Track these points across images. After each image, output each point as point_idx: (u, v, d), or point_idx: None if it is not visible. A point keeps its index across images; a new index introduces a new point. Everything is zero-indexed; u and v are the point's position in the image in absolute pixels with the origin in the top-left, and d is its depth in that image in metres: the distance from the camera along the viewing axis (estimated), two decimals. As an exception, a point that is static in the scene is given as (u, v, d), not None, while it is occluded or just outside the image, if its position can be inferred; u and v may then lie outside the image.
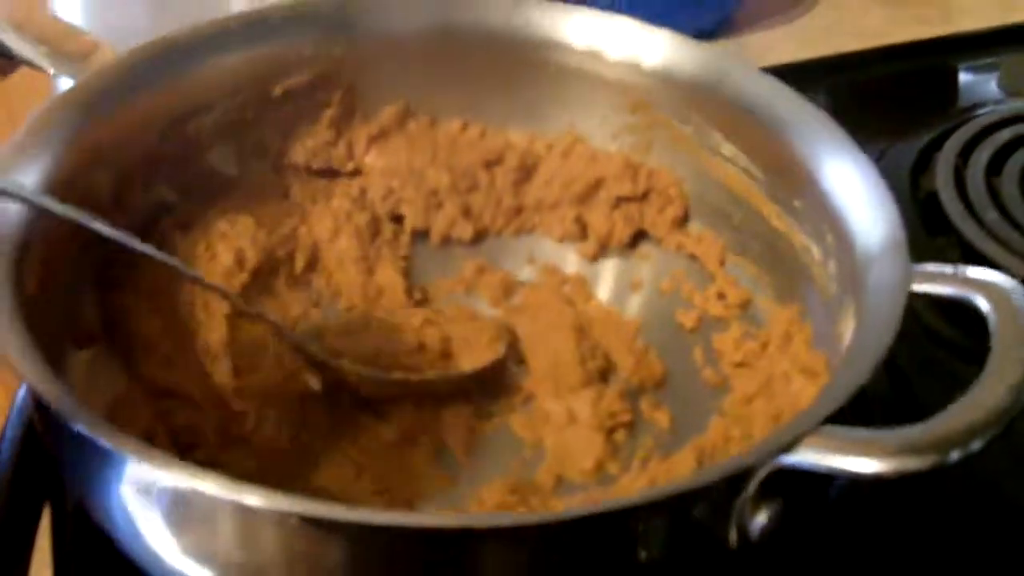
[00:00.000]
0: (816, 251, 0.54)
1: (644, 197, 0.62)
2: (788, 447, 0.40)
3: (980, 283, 0.45)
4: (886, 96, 0.54)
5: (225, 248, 0.56)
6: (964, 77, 0.80)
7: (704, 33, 0.61)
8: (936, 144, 0.71)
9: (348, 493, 0.49)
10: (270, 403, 0.51)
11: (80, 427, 0.39)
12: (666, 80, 0.59)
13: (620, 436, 0.54)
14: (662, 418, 0.55)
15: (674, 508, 0.40)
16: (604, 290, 0.62)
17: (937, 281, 0.46)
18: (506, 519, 0.41)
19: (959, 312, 0.46)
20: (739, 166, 0.58)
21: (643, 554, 0.41)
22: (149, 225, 0.57)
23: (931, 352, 0.58)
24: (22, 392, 0.54)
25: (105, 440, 0.38)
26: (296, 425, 0.51)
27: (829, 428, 0.40)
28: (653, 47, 0.59)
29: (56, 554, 0.50)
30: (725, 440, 0.51)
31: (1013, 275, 0.46)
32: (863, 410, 0.43)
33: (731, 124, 0.58)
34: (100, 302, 0.54)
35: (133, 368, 0.52)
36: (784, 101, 0.56)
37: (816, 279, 0.54)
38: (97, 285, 0.54)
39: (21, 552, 0.49)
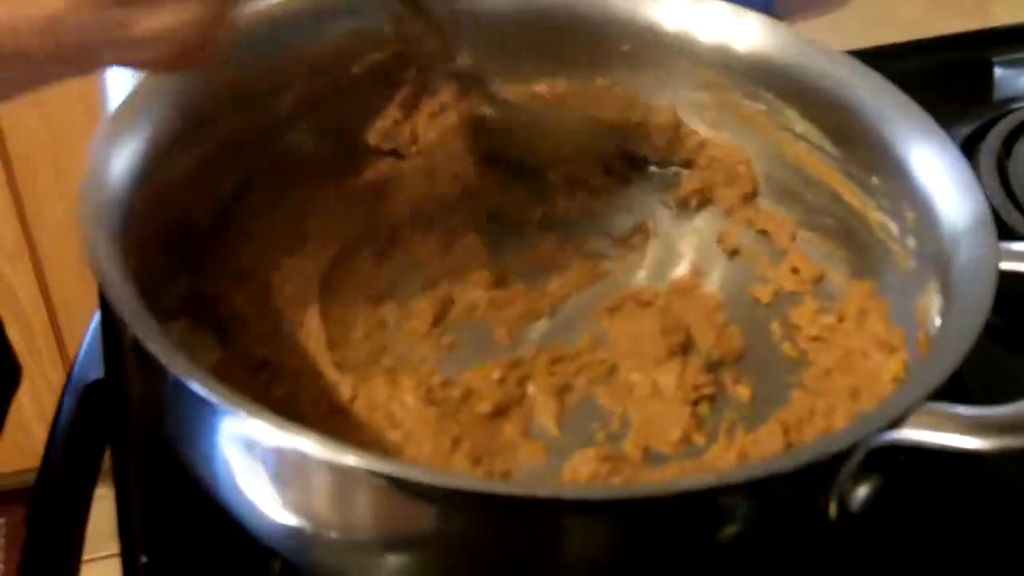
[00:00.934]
0: (893, 227, 0.55)
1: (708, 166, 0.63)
2: (895, 423, 0.41)
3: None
4: (923, 88, 0.55)
5: (313, 226, 0.57)
6: (999, 71, 0.80)
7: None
8: (978, 135, 0.72)
9: (444, 464, 0.50)
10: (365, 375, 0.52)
11: (195, 385, 0.40)
12: (739, 59, 0.60)
13: (704, 408, 0.55)
14: (743, 391, 0.56)
15: (781, 483, 0.41)
16: (682, 265, 0.62)
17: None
18: (630, 491, 0.43)
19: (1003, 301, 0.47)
20: (812, 143, 0.59)
21: (745, 525, 0.43)
22: (231, 204, 0.58)
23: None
24: (88, 338, 0.56)
25: (218, 398, 0.40)
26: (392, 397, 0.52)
27: (932, 405, 0.41)
28: (736, 28, 0.60)
29: (120, 496, 0.51)
30: (810, 413, 0.53)
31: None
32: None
33: (806, 102, 0.59)
34: (187, 278, 0.55)
35: (228, 342, 0.53)
36: (863, 80, 0.57)
37: (893, 255, 0.55)
38: (184, 262, 0.55)
39: (82, 496, 0.52)
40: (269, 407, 0.48)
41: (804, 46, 0.60)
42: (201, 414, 0.42)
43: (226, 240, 0.55)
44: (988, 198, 0.51)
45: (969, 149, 0.71)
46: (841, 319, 0.57)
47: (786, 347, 0.58)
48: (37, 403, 1.32)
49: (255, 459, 0.42)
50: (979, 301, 0.46)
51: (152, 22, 0.40)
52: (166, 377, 0.41)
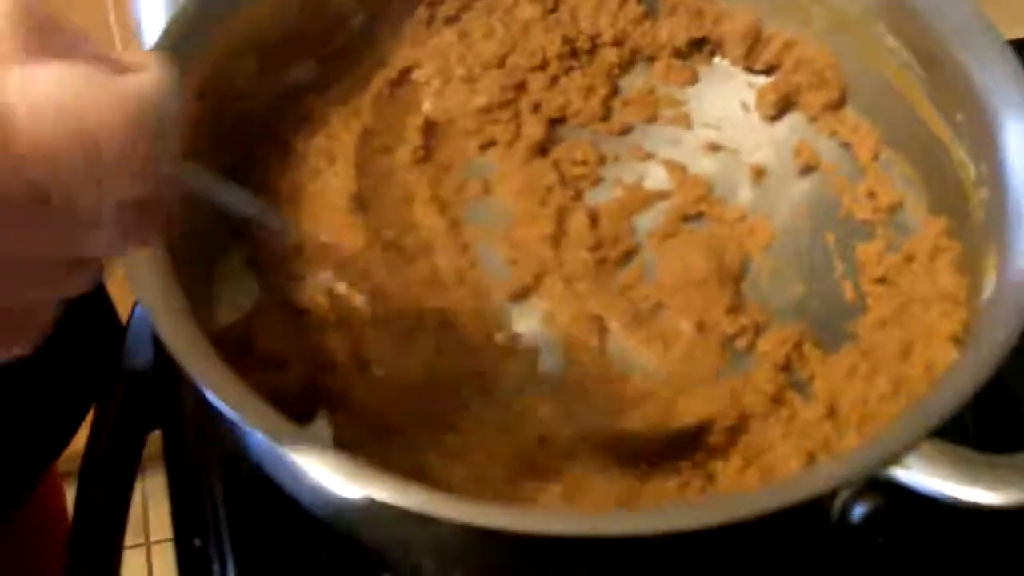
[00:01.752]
0: (972, 171, 0.52)
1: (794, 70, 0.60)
2: (892, 460, 0.40)
3: None
4: None
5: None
6: None
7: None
8: None
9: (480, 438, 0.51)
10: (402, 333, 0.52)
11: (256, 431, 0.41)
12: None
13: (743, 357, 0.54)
14: (791, 338, 0.54)
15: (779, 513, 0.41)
16: (748, 186, 0.59)
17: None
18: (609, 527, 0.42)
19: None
20: (903, 60, 0.55)
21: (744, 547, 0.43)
22: (291, 102, 0.58)
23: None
24: (132, 326, 0.58)
25: (279, 443, 0.40)
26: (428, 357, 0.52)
27: (938, 445, 0.40)
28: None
29: (172, 481, 0.54)
30: (850, 373, 0.51)
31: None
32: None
33: (898, 18, 0.54)
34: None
35: (266, 283, 0.53)
36: (959, 11, 0.52)
37: (969, 199, 0.52)
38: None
39: (127, 482, 0.54)
40: (302, 357, 0.50)
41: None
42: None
43: (265, 169, 0.55)
44: None
45: None
46: (909, 259, 0.54)
47: (847, 288, 0.56)
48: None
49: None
50: (1001, 344, 0.43)
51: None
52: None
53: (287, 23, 0.56)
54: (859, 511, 0.42)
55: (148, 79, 0.32)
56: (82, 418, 0.66)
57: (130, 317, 0.60)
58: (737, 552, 0.44)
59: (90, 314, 0.65)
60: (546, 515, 0.44)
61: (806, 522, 0.43)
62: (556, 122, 0.60)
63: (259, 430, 0.40)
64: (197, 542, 0.50)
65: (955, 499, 0.39)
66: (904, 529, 0.43)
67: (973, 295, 0.50)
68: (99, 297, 0.67)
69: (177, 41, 0.51)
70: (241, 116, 0.55)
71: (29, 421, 0.62)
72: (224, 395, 0.41)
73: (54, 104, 0.30)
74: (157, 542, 1.39)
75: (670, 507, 0.47)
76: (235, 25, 0.54)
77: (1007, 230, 0.48)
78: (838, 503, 0.42)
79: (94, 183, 0.31)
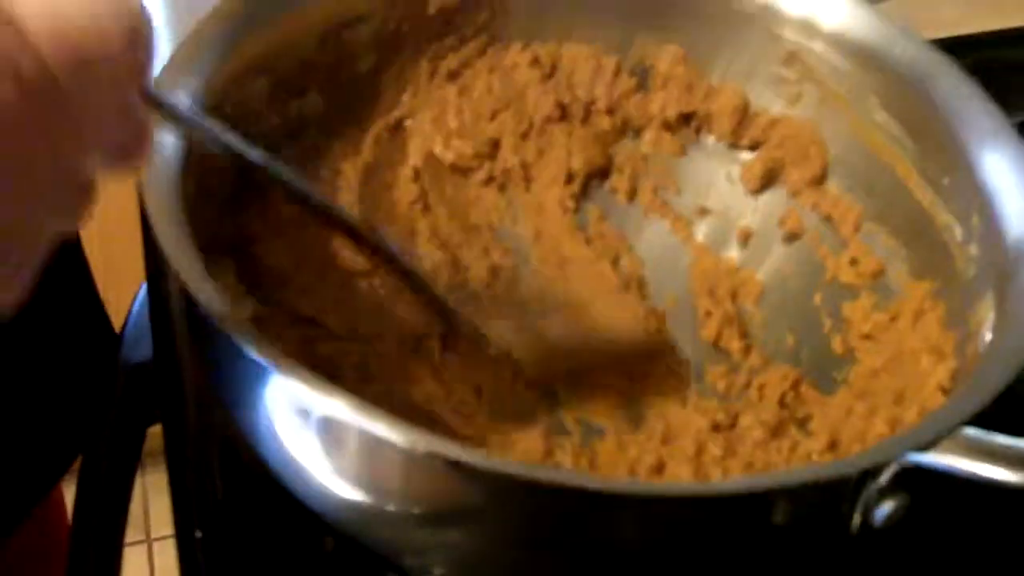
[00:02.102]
0: (959, 231, 0.54)
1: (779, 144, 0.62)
2: (924, 447, 0.40)
3: None
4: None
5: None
6: None
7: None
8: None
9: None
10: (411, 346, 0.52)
11: (254, 353, 0.40)
12: (830, 39, 0.59)
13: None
14: (785, 383, 0.55)
15: (801, 495, 0.41)
16: (736, 247, 0.62)
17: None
18: (644, 487, 0.43)
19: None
20: (890, 134, 0.58)
21: (766, 530, 0.42)
22: (294, 137, 0.58)
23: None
24: (132, 320, 0.57)
25: (276, 365, 0.40)
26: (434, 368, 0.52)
27: (969, 432, 0.41)
28: (827, 7, 0.59)
29: (173, 473, 0.52)
30: (847, 413, 0.52)
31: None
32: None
33: (890, 92, 0.57)
34: (232, 223, 0.55)
35: (268, 298, 0.53)
36: (950, 78, 0.55)
37: (955, 260, 0.54)
38: (231, 208, 0.55)
39: (127, 476, 0.52)
40: (308, 366, 0.49)
41: (893, 31, 0.58)
42: (250, 374, 0.43)
43: (264, 193, 0.55)
44: None
45: None
46: (895, 318, 0.56)
47: (836, 341, 0.57)
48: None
49: (305, 424, 0.43)
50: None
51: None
52: (220, 341, 0.42)
53: (299, 53, 0.57)
54: (882, 512, 0.42)
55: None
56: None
57: (129, 312, 0.59)
58: (756, 551, 0.43)
59: (84, 332, 0.63)
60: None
61: (828, 523, 0.43)
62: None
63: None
64: (198, 534, 0.48)
65: (990, 479, 0.40)
66: (925, 530, 0.43)
67: (962, 346, 0.52)
68: (94, 314, 0.65)
69: (193, 54, 0.52)
70: (247, 138, 0.55)
71: (27, 445, 0.59)
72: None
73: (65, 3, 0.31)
74: (158, 539, 1.36)
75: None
76: (250, 47, 0.55)
77: (1004, 272, 0.49)
78: (860, 507, 0.42)
79: (99, 82, 0.33)
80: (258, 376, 0.42)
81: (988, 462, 0.40)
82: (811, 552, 0.45)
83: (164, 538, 1.39)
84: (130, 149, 0.35)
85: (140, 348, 0.57)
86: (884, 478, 0.41)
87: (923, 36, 0.67)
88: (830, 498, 0.42)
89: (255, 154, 0.47)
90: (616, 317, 0.58)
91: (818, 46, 0.59)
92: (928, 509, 0.43)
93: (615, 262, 0.61)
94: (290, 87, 0.57)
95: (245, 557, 0.48)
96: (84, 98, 0.32)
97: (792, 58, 0.60)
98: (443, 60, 0.62)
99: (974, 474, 0.40)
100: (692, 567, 0.43)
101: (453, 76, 0.63)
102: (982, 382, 0.43)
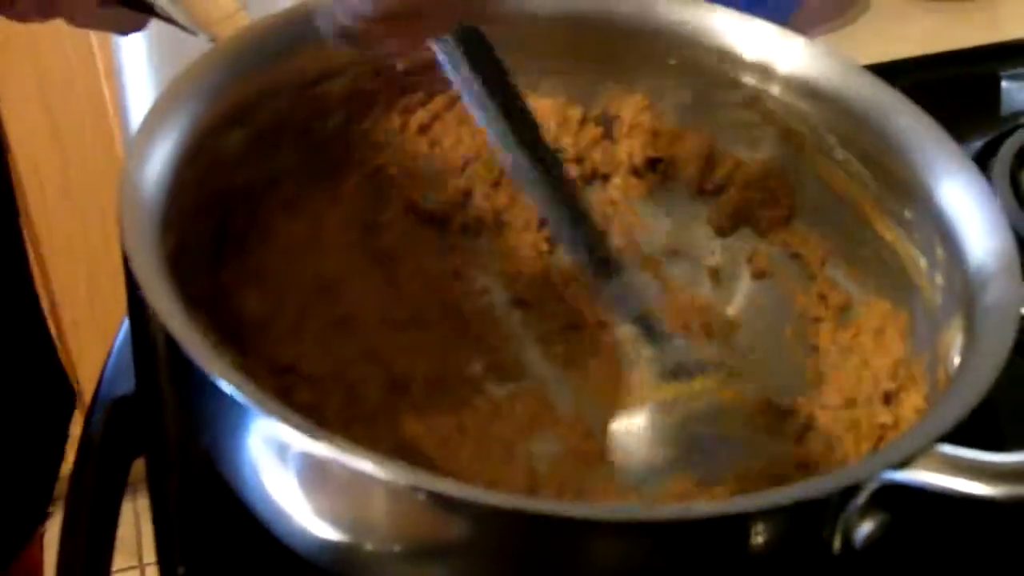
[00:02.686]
0: (924, 263, 0.55)
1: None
2: (900, 464, 0.41)
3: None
4: (932, 102, 0.56)
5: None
6: (1007, 84, 0.83)
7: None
8: (990, 149, 0.74)
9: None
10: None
11: (231, 389, 0.41)
12: (787, 81, 0.61)
13: None
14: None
15: (779, 516, 0.42)
16: (706, 284, 0.63)
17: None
18: (619, 513, 0.43)
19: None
20: (852, 171, 0.59)
21: (747, 553, 0.43)
22: (272, 187, 0.59)
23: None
24: (114, 354, 0.57)
25: (254, 402, 0.40)
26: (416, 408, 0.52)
27: (943, 448, 0.41)
28: (783, 50, 0.61)
29: (156, 508, 0.52)
30: (824, 437, 0.53)
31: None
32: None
33: (848, 131, 0.59)
34: (210, 278, 0.56)
35: (247, 349, 0.54)
36: (905, 114, 0.57)
37: (922, 290, 0.55)
38: (209, 261, 0.56)
39: (112, 511, 0.52)
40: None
41: (848, 70, 0.60)
42: (232, 416, 0.43)
43: (244, 247, 0.56)
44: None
45: (982, 161, 0.73)
46: (857, 333, 0.57)
47: (808, 366, 0.58)
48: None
49: (287, 465, 0.43)
50: (999, 346, 0.46)
51: None
52: (201, 381, 0.42)
53: (275, 106, 0.58)
54: (863, 532, 0.43)
55: None
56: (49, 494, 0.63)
57: (113, 345, 0.59)
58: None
59: (43, 386, 0.63)
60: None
61: (810, 546, 0.44)
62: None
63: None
64: (181, 570, 0.48)
65: (967, 494, 0.40)
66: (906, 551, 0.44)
67: (933, 369, 0.53)
68: (51, 369, 0.65)
69: (174, 102, 0.53)
70: (223, 188, 0.56)
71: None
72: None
73: None
74: (150, 564, 1.29)
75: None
76: (229, 98, 0.56)
77: (969, 297, 0.51)
78: (840, 527, 0.43)
79: None
80: (240, 417, 0.43)
81: (964, 477, 0.41)
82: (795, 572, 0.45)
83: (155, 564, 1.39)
84: None
85: (122, 382, 0.58)
86: (862, 498, 0.42)
87: (892, 55, 0.72)
88: (809, 520, 0.43)
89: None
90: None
91: (776, 89, 0.61)
92: (910, 527, 0.44)
93: None
94: (265, 139, 0.58)
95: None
96: None
97: (753, 101, 0.62)
98: (413, 114, 0.64)
99: (952, 489, 0.41)
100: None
101: (424, 129, 0.64)
102: (954, 401, 0.44)
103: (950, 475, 0.41)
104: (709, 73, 0.62)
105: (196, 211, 0.53)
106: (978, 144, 0.74)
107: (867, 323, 0.57)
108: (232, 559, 0.50)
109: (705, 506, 0.44)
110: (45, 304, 1.21)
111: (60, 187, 1.19)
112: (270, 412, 0.40)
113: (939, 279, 0.54)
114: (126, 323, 0.61)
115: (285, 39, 0.57)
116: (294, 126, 0.59)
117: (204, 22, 0.57)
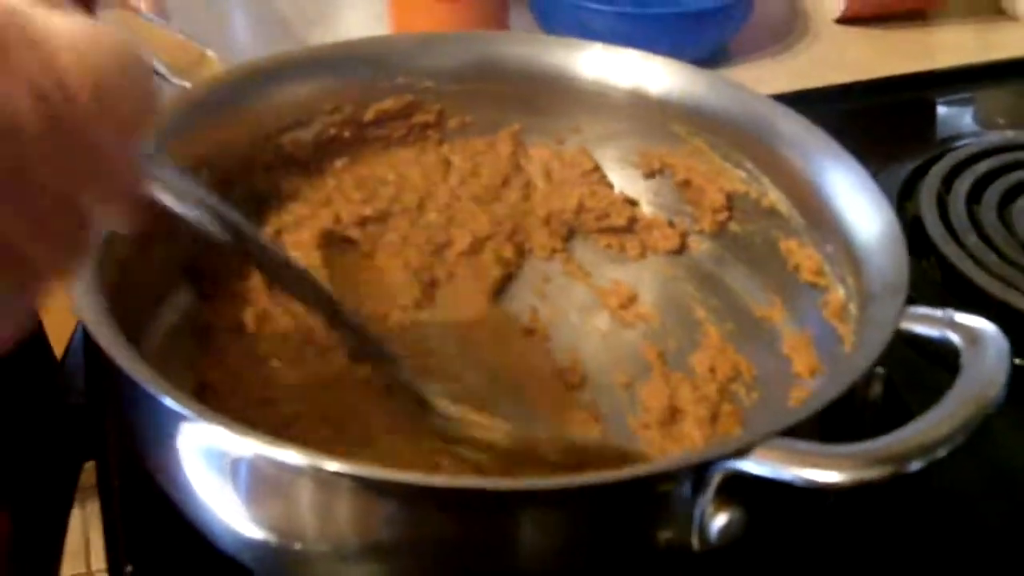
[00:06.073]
0: (842, 291, 0.57)
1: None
2: (739, 453, 0.42)
3: (960, 326, 0.48)
4: (869, 126, 0.58)
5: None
6: (942, 110, 0.87)
7: (700, 62, 0.67)
8: (920, 172, 0.76)
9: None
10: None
11: (159, 394, 0.43)
12: (716, 127, 0.64)
13: None
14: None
15: (630, 494, 0.44)
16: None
17: (923, 321, 0.49)
18: (485, 483, 0.46)
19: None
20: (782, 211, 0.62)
21: (606, 542, 0.45)
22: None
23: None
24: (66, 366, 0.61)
25: (182, 406, 0.43)
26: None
27: (781, 440, 0.43)
28: (685, 82, 0.64)
29: (104, 511, 0.55)
30: None
31: (990, 296, 0.53)
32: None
33: (778, 171, 0.62)
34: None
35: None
36: (827, 151, 0.59)
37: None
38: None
39: (60, 514, 0.55)
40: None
41: (775, 110, 0.62)
42: (162, 422, 0.46)
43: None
44: (928, 231, 0.57)
45: (912, 184, 0.75)
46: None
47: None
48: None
49: (212, 467, 0.45)
50: (867, 354, 0.47)
51: None
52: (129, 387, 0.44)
53: (240, 151, 0.63)
54: (716, 526, 0.44)
55: None
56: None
57: (65, 352, 0.63)
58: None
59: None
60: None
61: (671, 551, 0.45)
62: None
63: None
64: (129, 568, 0.51)
65: (804, 480, 0.41)
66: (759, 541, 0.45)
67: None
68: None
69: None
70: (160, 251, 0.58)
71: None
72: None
73: (90, 33, 0.33)
74: (99, 571, 1.32)
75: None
76: (198, 140, 0.60)
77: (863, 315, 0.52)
78: (696, 524, 0.44)
79: (115, 115, 0.34)
80: (166, 420, 0.45)
81: (809, 466, 0.42)
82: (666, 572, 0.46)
83: (104, 571, 1.41)
84: (125, 193, 0.36)
85: (74, 387, 0.60)
86: (711, 489, 0.43)
87: (831, 81, 0.77)
88: (662, 512, 0.44)
89: (236, 217, 0.50)
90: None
91: (708, 137, 0.64)
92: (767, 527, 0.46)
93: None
94: (228, 182, 0.61)
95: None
96: (99, 127, 0.33)
97: (695, 150, 0.65)
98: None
99: (799, 477, 0.42)
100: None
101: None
102: (811, 402, 0.46)
103: (793, 465, 0.42)
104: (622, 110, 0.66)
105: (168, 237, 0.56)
106: (911, 167, 0.76)
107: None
108: (178, 557, 0.52)
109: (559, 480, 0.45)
110: None
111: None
112: (168, 395, 0.43)
113: (853, 308, 0.55)
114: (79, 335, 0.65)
115: (257, 87, 0.63)
116: (256, 170, 0.63)
117: (175, 69, 0.61)
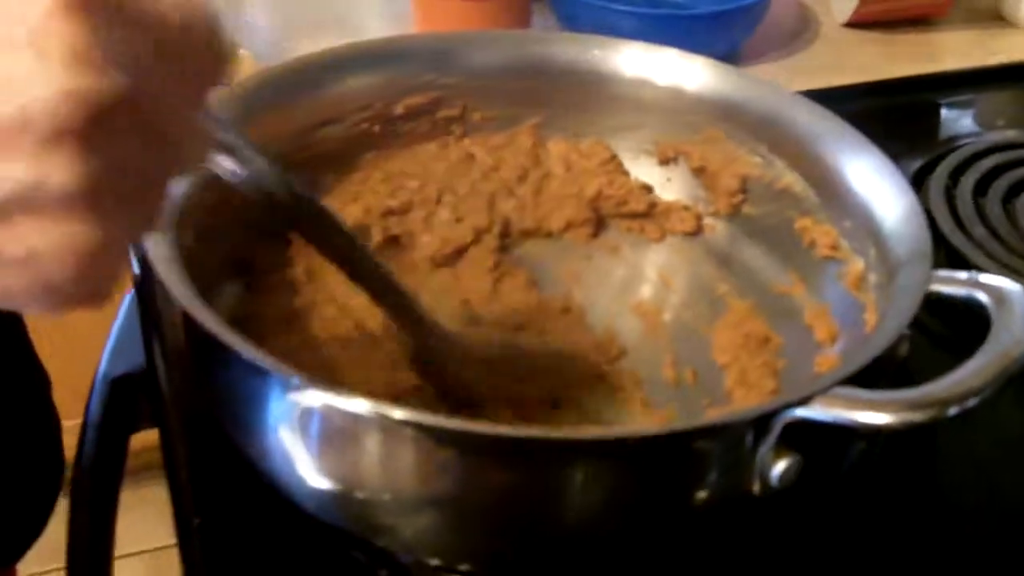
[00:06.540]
0: (861, 263, 0.61)
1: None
2: (801, 402, 0.46)
3: (987, 285, 0.53)
4: (876, 127, 0.63)
5: None
6: (944, 112, 0.92)
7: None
8: (925, 170, 0.82)
9: None
10: None
11: (248, 354, 0.46)
12: (742, 118, 0.68)
13: None
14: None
15: (696, 446, 0.47)
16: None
17: (950, 283, 0.54)
18: (547, 433, 0.50)
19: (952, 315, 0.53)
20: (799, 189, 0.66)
21: (674, 491, 0.49)
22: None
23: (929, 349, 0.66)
24: (114, 334, 0.64)
25: (269, 365, 0.46)
26: None
27: (841, 388, 0.47)
28: (733, 86, 0.68)
29: (168, 470, 0.58)
30: None
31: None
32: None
33: (794, 154, 0.66)
34: None
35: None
36: (842, 135, 0.64)
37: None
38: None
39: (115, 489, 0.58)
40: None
41: (790, 100, 0.67)
42: (249, 385, 0.49)
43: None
44: (937, 223, 0.61)
45: (920, 180, 0.80)
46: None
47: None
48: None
49: (283, 418, 0.48)
50: (904, 313, 0.51)
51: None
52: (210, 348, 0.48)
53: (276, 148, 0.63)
54: (776, 471, 0.48)
55: None
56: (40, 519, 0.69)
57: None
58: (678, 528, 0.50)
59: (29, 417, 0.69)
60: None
61: (733, 488, 0.49)
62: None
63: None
64: (197, 521, 0.54)
65: (861, 423, 0.46)
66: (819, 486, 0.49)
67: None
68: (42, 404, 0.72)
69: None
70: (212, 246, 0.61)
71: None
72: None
73: None
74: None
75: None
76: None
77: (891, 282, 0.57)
78: (756, 469, 0.48)
79: (180, 75, 0.34)
80: (247, 378, 0.49)
81: (861, 410, 0.46)
82: (726, 517, 0.50)
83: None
84: (191, 154, 0.36)
85: (122, 363, 0.63)
86: (772, 437, 0.47)
87: (838, 82, 0.83)
88: (726, 461, 0.48)
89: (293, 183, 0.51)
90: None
91: (723, 126, 0.68)
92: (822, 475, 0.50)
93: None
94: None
95: (241, 545, 0.54)
96: (163, 88, 0.33)
97: (709, 138, 0.69)
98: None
99: (853, 421, 0.46)
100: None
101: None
102: (855, 358, 0.50)
103: (848, 409, 0.46)
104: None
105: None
106: (917, 164, 0.82)
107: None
108: (243, 509, 0.55)
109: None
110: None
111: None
112: (255, 359, 0.46)
113: (873, 278, 0.60)
114: (123, 309, 0.68)
115: (290, 86, 0.66)
116: (296, 167, 0.65)
117: None
